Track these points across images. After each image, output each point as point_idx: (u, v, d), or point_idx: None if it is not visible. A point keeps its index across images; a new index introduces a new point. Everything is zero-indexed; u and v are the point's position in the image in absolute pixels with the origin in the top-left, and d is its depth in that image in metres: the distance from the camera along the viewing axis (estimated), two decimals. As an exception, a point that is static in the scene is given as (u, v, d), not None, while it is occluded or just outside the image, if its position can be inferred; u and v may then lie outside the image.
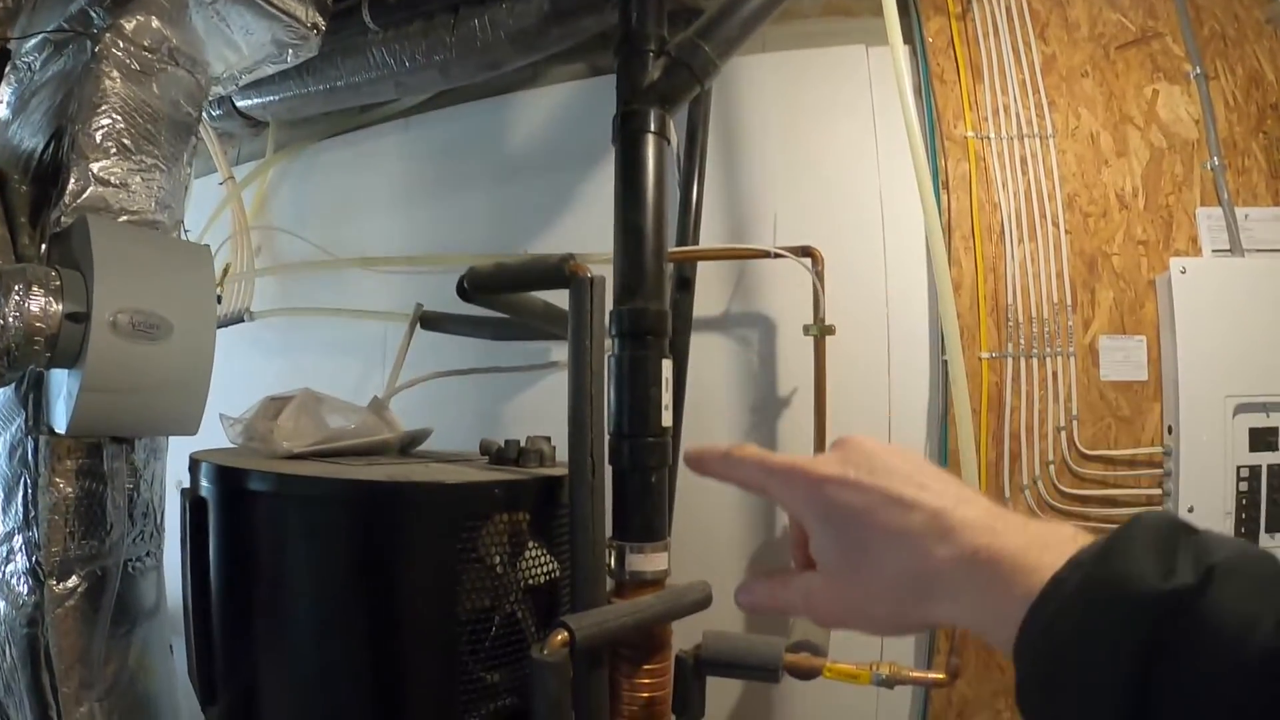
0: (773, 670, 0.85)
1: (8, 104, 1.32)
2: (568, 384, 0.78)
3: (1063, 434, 1.06)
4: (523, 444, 0.88)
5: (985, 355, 1.05)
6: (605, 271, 0.81)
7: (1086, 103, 1.15)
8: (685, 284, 1.04)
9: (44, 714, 1.11)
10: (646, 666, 0.87)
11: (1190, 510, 1.09)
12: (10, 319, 0.97)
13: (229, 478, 0.85)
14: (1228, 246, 1.17)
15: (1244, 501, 1.12)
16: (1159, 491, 1.09)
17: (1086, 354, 1.09)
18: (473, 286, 0.84)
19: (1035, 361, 1.06)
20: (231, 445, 1.02)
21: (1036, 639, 0.26)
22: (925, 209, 0.90)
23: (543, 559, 0.86)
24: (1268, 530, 1.11)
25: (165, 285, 1.01)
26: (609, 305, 0.83)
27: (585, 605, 0.81)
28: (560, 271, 0.80)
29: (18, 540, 1.10)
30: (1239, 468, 1.12)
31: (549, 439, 0.88)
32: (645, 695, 0.87)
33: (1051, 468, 1.06)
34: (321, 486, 0.80)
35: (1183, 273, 1.10)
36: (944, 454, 1.03)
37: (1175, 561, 0.24)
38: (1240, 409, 1.12)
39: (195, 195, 1.59)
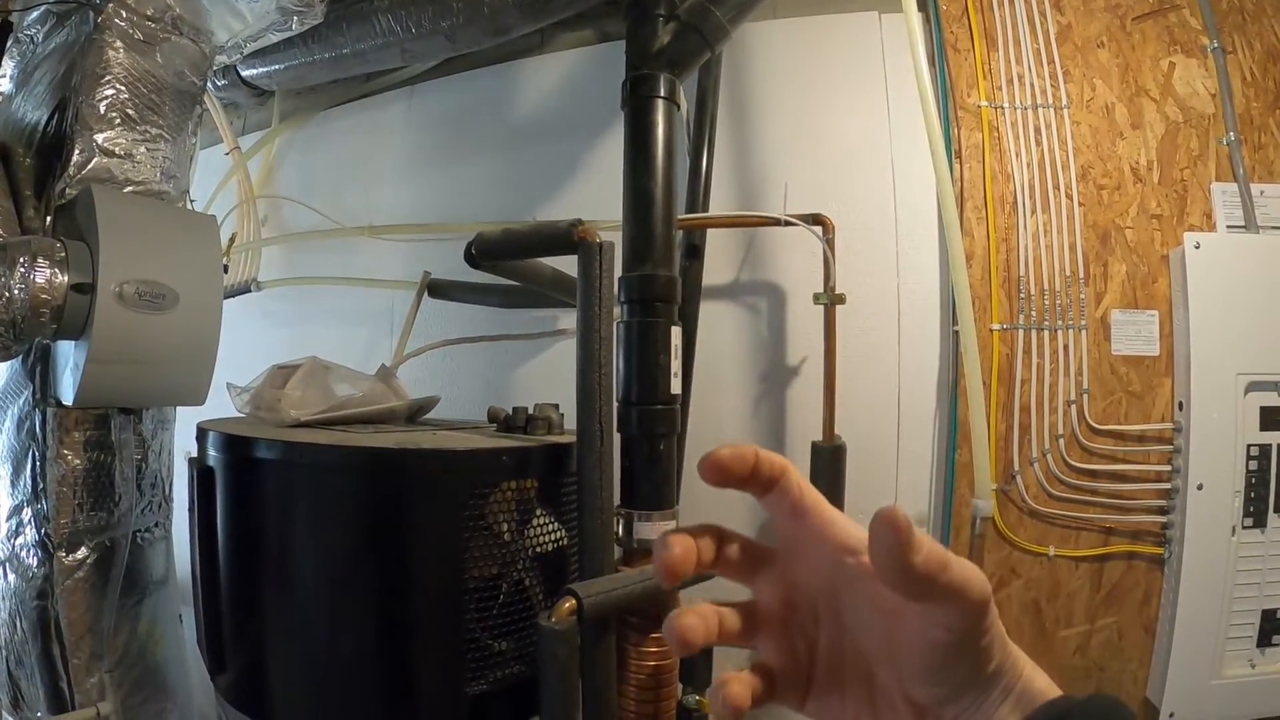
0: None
1: (11, 78, 1.31)
2: (576, 351, 0.77)
3: (1073, 408, 1.05)
4: (531, 411, 0.87)
5: (996, 327, 1.04)
6: (614, 239, 0.80)
7: (1102, 74, 1.13)
8: (694, 252, 1.03)
9: (55, 685, 1.11)
10: (654, 635, 0.86)
11: (1200, 487, 1.08)
12: (15, 291, 0.97)
13: (236, 446, 0.85)
14: (1242, 223, 1.15)
15: (1253, 480, 1.11)
16: (1168, 468, 1.09)
17: (1098, 327, 1.07)
18: (480, 252, 0.84)
19: (1046, 334, 1.05)
20: (239, 415, 1.02)
21: None
22: (939, 178, 0.89)
23: (550, 527, 0.86)
24: (1276, 510, 1.10)
25: (171, 255, 1.00)
26: (618, 272, 0.83)
27: (593, 573, 0.80)
28: (569, 236, 0.79)
29: (27, 513, 1.11)
30: (1249, 446, 1.11)
31: (557, 406, 0.88)
32: (652, 664, 0.87)
33: (1061, 441, 1.05)
34: (329, 454, 0.80)
35: (1197, 248, 1.09)
36: (953, 425, 1.03)
37: None
38: (1252, 387, 1.11)
39: (201, 167, 1.58)
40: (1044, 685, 0.29)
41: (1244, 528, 1.10)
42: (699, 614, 0.31)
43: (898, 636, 0.29)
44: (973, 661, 0.28)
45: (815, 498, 0.31)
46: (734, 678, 0.30)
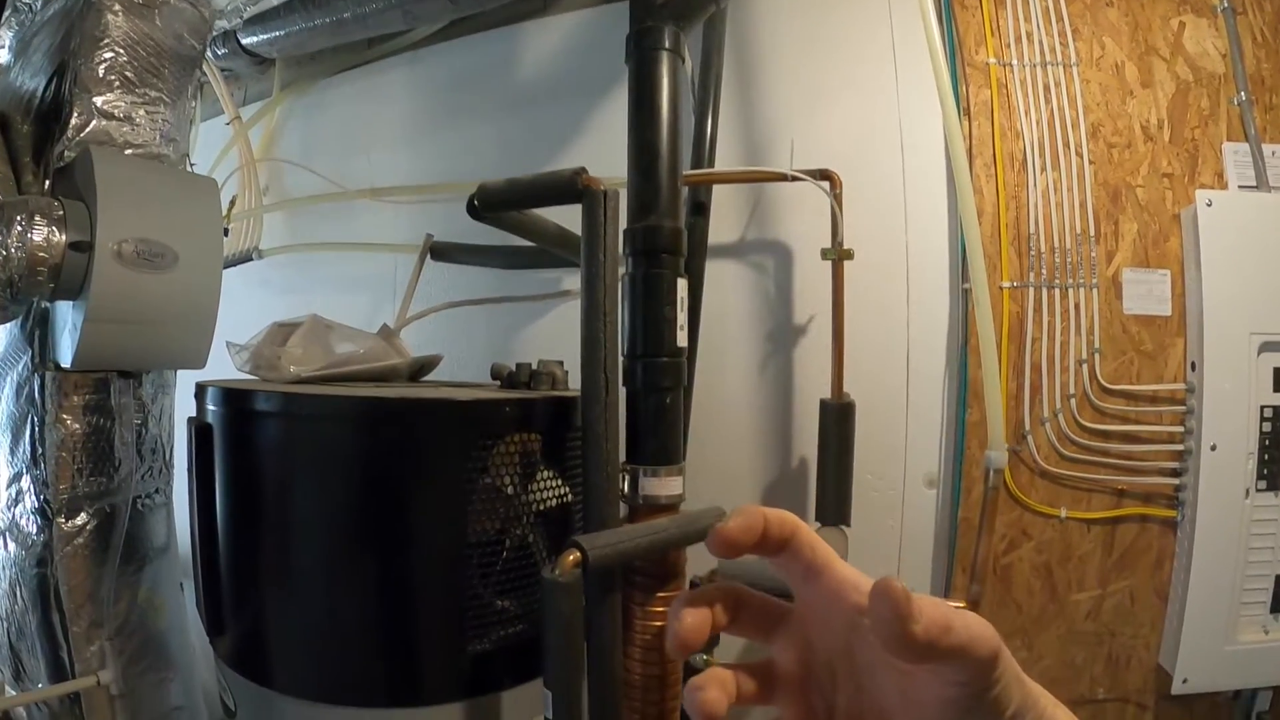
0: (788, 593, 0.84)
1: (9, 48, 1.30)
2: (580, 300, 0.76)
3: (1084, 367, 1.04)
4: (535, 367, 0.86)
5: (1006, 285, 1.02)
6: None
7: (1111, 32, 1.12)
8: (700, 209, 1.02)
9: (55, 654, 1.11)
10: (660, 594, 0.85)
11: (1213, 448, 1.06)
12: (13, 250, 0.96)
13: (235, 399, 0.84)
14: (1254, 183, 1.14)
15: (1266, 443, 1.10)
16: (1181, 429, 1.07)
17: (1109, 286, 1.06)
18: (483, 204, 0.82)
19: (1057, 292, 1.04)
20: (239, 375, 1.01)
21: None
22: (949, 134, 0.87)
23: (555, 483, 0.85)
24: (1288, 474, 1.09)
25: (170, 215, 0.99)
26: (622, 224, 0.81)
27: (598, 528, 0.79)
28: (573, 185, 0.78)
29: (26, 480, 1.10)
30: (1262, 408, 1.10)
31: (561, 363, 0.87)
32: (659, 624, 0.86)
33: (1073, 401, 1.04)
34: (329, 405, 0.78)
35: (1209, 205, 1.07)
36: (964, 385, 1.01)
37: None
38: (1265, 348, 1.10)
39: (202, 138, 1.58)
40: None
41: (1257, 490, 1.09)
42: (719, 683, 0.30)
43: (912, 695, 0.29)
44: (989, 710, 0.28)
45: (827, 556, 0.30)
46: (712, 680, 0.30)
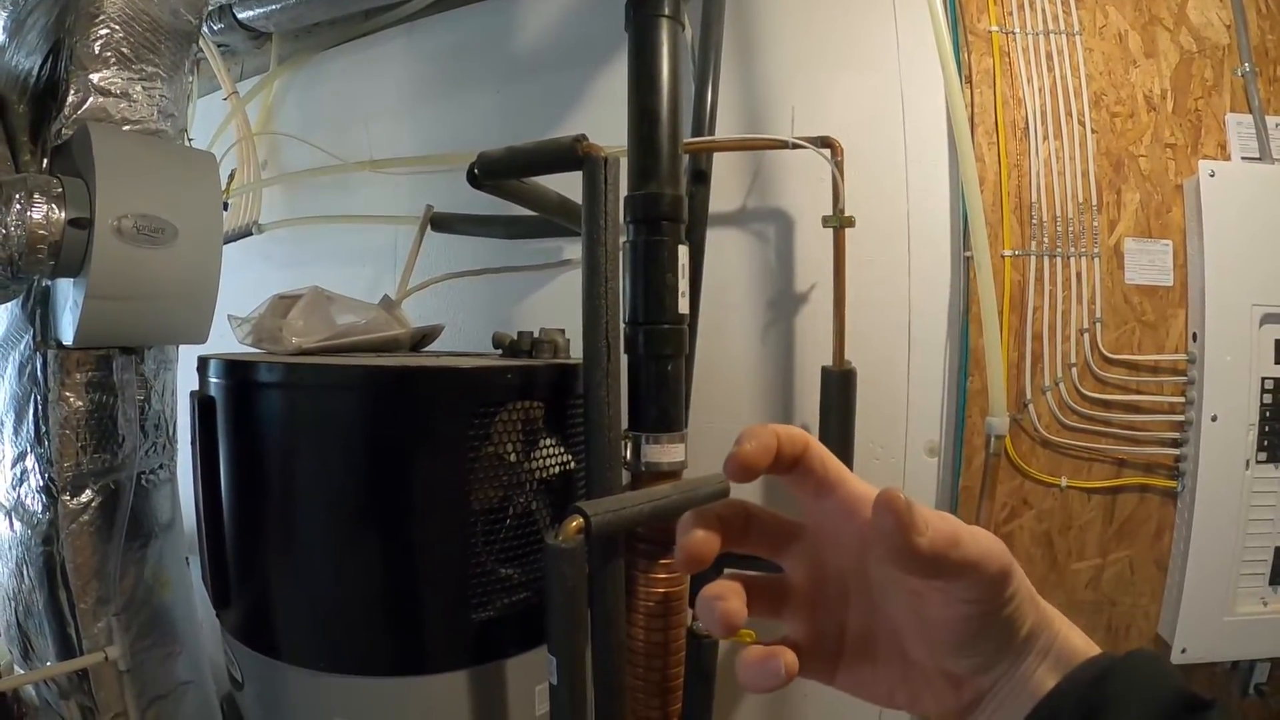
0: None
1: (3, 28, 1.29)
2: (581, 267, 0.76)
3: (1086, 336, 1.04)
4: (536, 335, 0.86)
5: (1008, 253, 1.02)
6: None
7: (1114, 1, 1.11)
8: (701, 177, 1.02)
9: (63, 631, 1.11)
10: (663, 561, 0.85)
11: (1214, 419, 1.06)
12: (12, 228, 0.96)
13: (238, 371, 0.84)
14: (1257, 154, 1.13)
15: (1267, 414, 1.10)
16: (1181, 400, 1.07)
17: (1111, 256, 1.06)
18: (484, 172, 0.82)
19: (1059, 261, 1.04)
20: (241, 349, 1.01)
21: None
22: (951, 101, 0.87)
23: (557, 451, 0.85)
24: (1290, 443, 1.09)
25: (169, 190, 0.99)
26: (623, 192, 0.81)
27: (601, 494, 0.79)
28: (573, 152, 0.77)
29: (30, 459, 1.10)
30: (1264, 379, 1.10)
31: (563, 331, 0.87)
32: (661, 591, 0.86)
33: (1074, 370, 1.04)
34: (332, 374, 0.79)
35: (1212, 175, 1.07)
36: (965, 353, 1.01)
37: None
38: (1267, 319, 1.09)
39: (200, 114, 1.57)
40: (1081, 644, 0.29)
41: (1258, 462, 1.09)
42: (736, 593, 0.29)
43: (925, 614, 0.29)
44: (1002, 629, 0.28)
45: (839, 472, 0.30)
46: (729, 590, 0.29)
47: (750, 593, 0.30)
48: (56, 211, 0.96)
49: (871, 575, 0.30)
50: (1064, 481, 1.05)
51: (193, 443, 0.89)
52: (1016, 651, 0.28)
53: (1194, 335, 1.08)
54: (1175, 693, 0.26)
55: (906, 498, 0.26)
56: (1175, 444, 1.08)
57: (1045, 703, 0.27)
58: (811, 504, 0.30)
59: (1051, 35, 1.06)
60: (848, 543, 0.30)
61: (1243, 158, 1.14)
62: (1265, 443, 1.10)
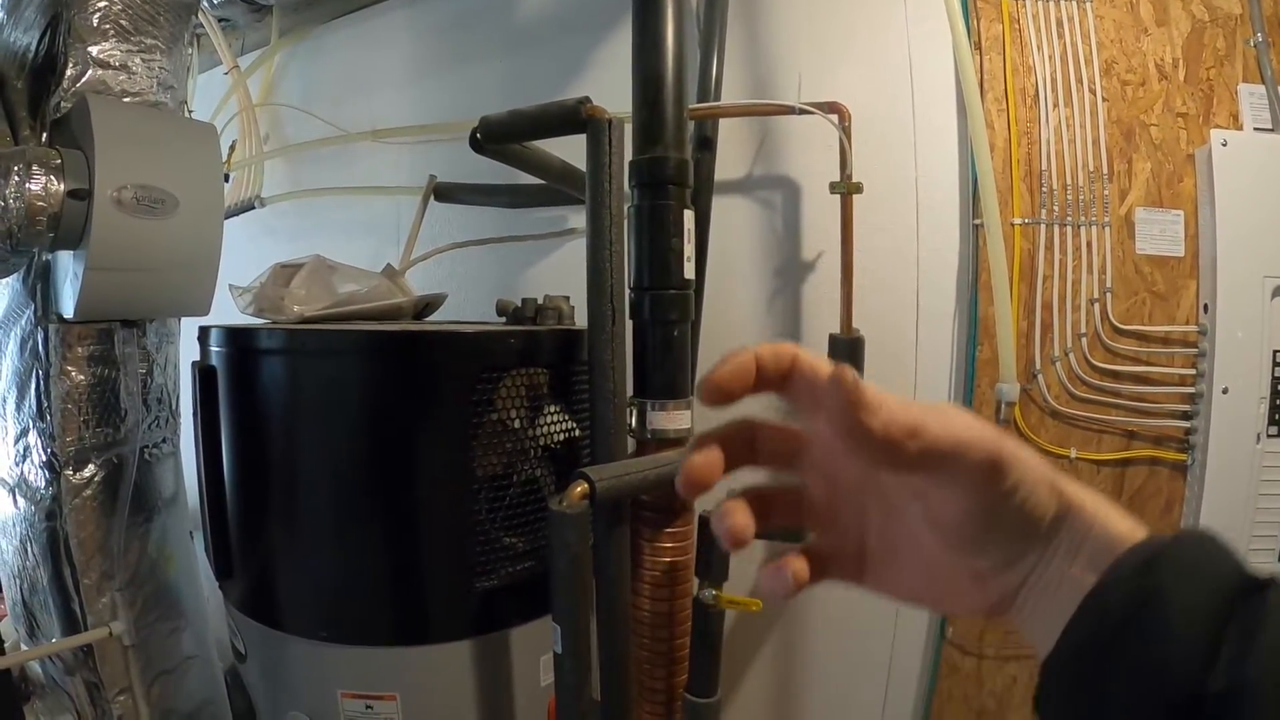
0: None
1: (2, 6, 1.28)
2: (586, 231, 0.75)
3: (1096, 306, 1.03)
4: (540, 302, 0.85)
5: (1018, 221, 1.01)
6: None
7: (1125, -32, 1.09)
8: (706, 144, 1.00)
9: (67, 607, 1.11)
10: (669, 530, 0.85)
11: (1225, 391, 1.05)
12: (11, 200, 0.95)
13: (240, 339, 0.83)
14: (1270, 125, 1.12)
15: (1278, 388, 1.09)
16: (1192, 372, 1.06)
17: (1122, 225, 1.04)
18: (486, 136, 0.81)
19: (1069, 230, 1.02)
20: (242, 321, 1.00)
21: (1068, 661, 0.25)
22: (961, 67, 0.85)
23: (561, 419, 0.84)
24: (1301, 417, 1.08)
25: (170, 161, 0.98)
26: (628, 156, 0.80)
27: (605, 460, 0.79)
28: (577, 114, 0.76)
29: (33, 435, 1.10)
30: (1275, 352, 1.08)
31: (567, 298, 0.86)
32: (667, 560, 0.85)
33: (1084, 340, 1.03)
34: (335, 340, 0.78)
35: (1224, 145, 1.06)
36: (974, 322, 1.00)
37: (1221, 648, 0.22)
38: (1279, 291, 1.08)
39: (201, 90, 1.56)
40: (1124, 529, 0.26)
41: (1269, 435, 1.08)
42: (745, 510, 0.28)
43: (933, 514, 0.28)
44: (1016, 521, 0.26)
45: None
46: (739, 507, 0.28)
47: (772, 504, 0.30)
48: (55, 183, 0.95)
49: (883, 483, 0.30)
50: (1073, 453, 1.04)
51: (194, 413, 0.88)
52: (1043, 541, 0.27)
53: (1205, 306, 1.07)
54: (1230, 575, 0.24)
55: (855, 374, 0.25)
56: (1185, 416, 1.06)
57: (1092, 598, 0.25)
58: (813, 419, 0.29)
59: (1061, 2, 1.05)
60: (855, 453, 0.29)
61: (1255, 128, 1.12)
62: (1276, 416, 1.08)
